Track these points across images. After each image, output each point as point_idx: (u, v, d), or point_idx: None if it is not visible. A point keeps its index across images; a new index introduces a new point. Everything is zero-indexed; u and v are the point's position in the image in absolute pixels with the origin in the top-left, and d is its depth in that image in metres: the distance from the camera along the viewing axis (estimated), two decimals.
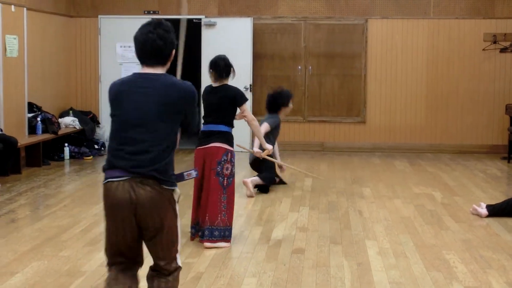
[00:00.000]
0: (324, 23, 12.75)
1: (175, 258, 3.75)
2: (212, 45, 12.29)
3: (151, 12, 12.54)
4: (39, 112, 11.10)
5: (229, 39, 12.34)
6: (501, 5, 12.47)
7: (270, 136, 8.79)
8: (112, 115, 3.70)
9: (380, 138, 12.84)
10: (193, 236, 6.37)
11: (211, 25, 12.52)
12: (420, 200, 8.36)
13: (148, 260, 3.82)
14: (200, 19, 12.55)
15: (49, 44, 11.92)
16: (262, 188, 8.80)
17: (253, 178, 8.69)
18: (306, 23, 12.76)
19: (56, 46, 12.26)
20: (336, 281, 5.27)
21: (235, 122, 6.47)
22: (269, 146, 7.68)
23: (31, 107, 11.06)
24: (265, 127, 8.69)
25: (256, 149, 8.27)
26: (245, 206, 7.95)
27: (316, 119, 12.88)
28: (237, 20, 12.59)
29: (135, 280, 3.78)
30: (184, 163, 10.65)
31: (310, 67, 12.81)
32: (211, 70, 6.37)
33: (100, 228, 6.86)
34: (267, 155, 7.89)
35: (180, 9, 12.36)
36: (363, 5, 12.67)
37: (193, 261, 5.74)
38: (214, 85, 6.39)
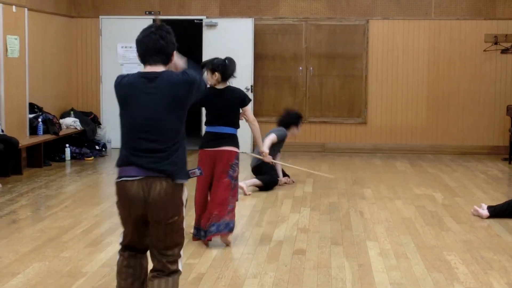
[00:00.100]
0: (325, 23, 12.75)
1: (177, 260, 3.91)
2: (213, 45, 12.29)
3: (152, 12, 12.54)
4: (40, 113, 11.11)
5: (230, 40, 12.34)
6: (502, 6, 12.47)
7: (275, 147, 9.11)
8: (121, 115, 3.90)
9: (381, 139, 12.84)
10: (195, 237, 6.37)
11: (212, 25, 12.52)
12: (421, 201, 8.36)
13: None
14: (201, 20, 12.55)
15: (50, 45, 11.93)
16: (264, 188, 8.93)
17: (250, 181, 8.90)
18: (307, 23, 12.76)
19: (57, 47, 12.27)
20: (337, 282, 5.27)
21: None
22: (265, 150, 8.18)
23: (32, 107, 11.06)
24: (272, 138, 9.03)
25: (266, 149, 8.48)
26: (246, 207, 7.95)
27: (317, 120, 12.88)
28: (238, 21, 12.59)
29: (144, 264, 4.05)
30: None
31: (311, 68, 12.81)
32: (215, 72, 6.28)
33: (101, 229, 6.87)
34: (269, 159, 8.20)
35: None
36: (364, 5, 12.67)
37: (194, 262, 5.74)
38: (218, 87, 6.34)
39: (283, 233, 6.77)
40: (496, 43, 12.42)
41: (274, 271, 5.52)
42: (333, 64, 12.83)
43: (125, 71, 12.39)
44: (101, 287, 5.15)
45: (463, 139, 12.73)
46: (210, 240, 6.24)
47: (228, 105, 6.31)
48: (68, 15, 12.73)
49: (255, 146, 7.17)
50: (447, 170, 10.84)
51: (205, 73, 6.35)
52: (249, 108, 6.53)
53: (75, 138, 11.81)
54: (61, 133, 11.34)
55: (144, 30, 3.90)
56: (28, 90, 10.77)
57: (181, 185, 3.86)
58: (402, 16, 12.64)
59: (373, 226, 7.10)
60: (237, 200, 6.42)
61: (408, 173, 10.62)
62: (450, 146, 12.73)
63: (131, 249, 4.03)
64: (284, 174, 9.52)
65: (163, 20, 4.09)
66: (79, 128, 11.98)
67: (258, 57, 12.69)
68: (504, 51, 12.42)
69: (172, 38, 3.89)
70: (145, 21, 11.05)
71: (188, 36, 11.20)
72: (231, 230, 6.25)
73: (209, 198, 6.35)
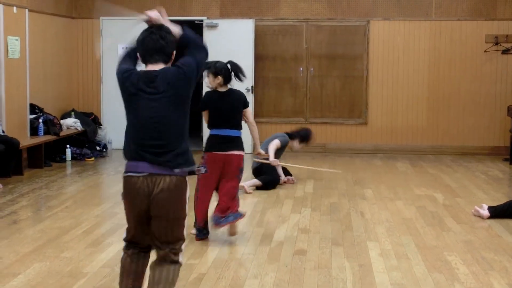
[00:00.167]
0: (326, 24, 12.76)
1: (178, 252, 4.06)
2: (214, 46, 12.26)
3: None
4: (41, 114, 11.11)
5: (231, 41, 12.35)
6: (503, 6, 12.47)
7: (278, 152, 9.33)
8: (126, 112, 4.02)
9: (381, 139, 12.84)
10: (197, 237, 6.39)
11: (213, 26, 12.53)
12: (421, 202, 8.36)
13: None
14: (202, 21, 12.56)
15: (50, 46, 11.94)
16: (266, 187, 9.04)
17: (250, 182, 9.00)
18: (308, 24, 12.77)
19: (58, 48, 12.28)
20: (337, 283, 5.27)
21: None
22: (271, 155, 9.03)
23: (33, 108, 11.07)
24: (276, 143, 9.26)
25: (272, 158, 9.08)
26: (247, 207, 7.94)
27: (318, 121, 12.88)
28: (239, 22, 12.60)
29: (146, 261, 4.17)
30: None
31: (311, 69, 12.82)
32: (218, 75, 6.31)
33: (102, 229, 6.88)
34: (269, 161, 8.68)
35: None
36: (365, 6, 12.67)
37: (195, 262, 5.74)
38: (220, 89, 6.37)
39: (284, 234, 6.77)
40: (496, 44, 12.42)
41: (274, 272, 5.53)
42: (334, 65, 12.84)
43: None
44: (102, 287, 5.16)
45: (464, 140, 12.73)
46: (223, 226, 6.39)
47: (232, 108, 6.37)
48: (69, 16, 12.74)
49: (255, 148, 7.42)
50: (448, 171, 10.84)
51: (207, 76, 6.39)
52: (250, 110, 6.61)
53: (75, 139, 11.81)
54: (62, 133, 11.35)
55: (145, 31, 4.02)
56: (29, 91, 10.78)
57: (185, 182, 3.99)
58: (403, 17, 12.65)
59: (373, 226, 7.10)
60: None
61: (409, 173, 10.62)
62: (450, 147, 12.73)
63: (134, 246, 4.13)
64: (287, 174, 9.58)
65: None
66: (79, 129, 11.99)
67: (259, 58, 12.69)
68: (505, 51, 12.42)
69: (172, 37, 4.01)
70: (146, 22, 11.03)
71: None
72: (241, 216, 6.48)
73: (219, 194, 6.45)
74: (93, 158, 11.62)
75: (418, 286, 5.21)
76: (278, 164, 9.24)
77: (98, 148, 12.04)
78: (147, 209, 3.95)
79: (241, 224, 7.03)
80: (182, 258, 4.10)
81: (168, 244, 4.01)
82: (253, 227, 7.01)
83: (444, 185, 9.54)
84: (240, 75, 6.43)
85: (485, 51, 12.49)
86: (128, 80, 3.98)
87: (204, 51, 4.09)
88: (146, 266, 4.20)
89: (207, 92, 6.49)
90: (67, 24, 12.69)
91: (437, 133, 12.77)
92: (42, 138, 10.72)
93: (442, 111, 12.71)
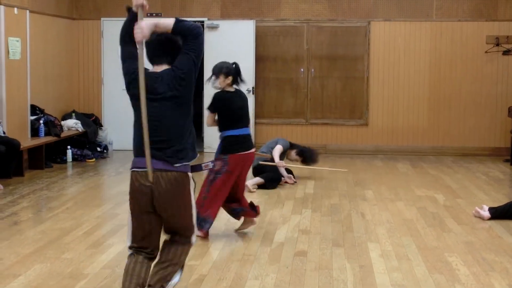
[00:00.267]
0: (327, 25, 12.76)
1: (191, 234, 4.32)
2: (214, 47, 12.30)
3: (154, 14, 12.55)
4: (42, 115, 11.12)
5: (231, 42, 12.35)
6: (503, 7, 12.47)
7: (281, 155, 9.65)
8: (133, 109, 4.15)
9: (382, 140, 12.84)
10: (204, 230, 6.48)
11: (213, 27, 12.53)
12: (422, 203, 8.36)
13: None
14: (202, 22, 12.56)
15: (51, 47, 11.95)
16: (268, 186, 9.15)
17: (252, 180, 9.07)
18: (308, 25, 12.77)
19: (59, 49, 12.29)
20: (338, 284, 5.27)
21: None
22: (277, 159, 9.42)
23: (34, 109, 11.07)
24: (280, 148, 9.57)
25: (277, 160, 9.39)
26: None
27: (319, 122, 12.88)
28: (240, 23, 12.60)
29: (149, 267, 4.26)
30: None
31: (312, 70, 12.82)
32: (229, 75, 6.40)
33: (103, 230, 6.87)
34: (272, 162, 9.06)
35: None
36: (365, 7, 12.67)
37: (196, 263, 5.74)
38: (229, 89, 6.46)
39: (285, 235, 6.77)
40: (497, 45, 12.42)
41: (275, 273, 5.53)
42: (335, 66, 12.84)
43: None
44: None
45: (465, 141, 12.72)
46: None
47: (243, 107, 6.51)
48: (70, 17, 12.74)
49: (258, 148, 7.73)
50: (449, 172, 10.83)
51: (216, 78, 6.43)
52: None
53: (76, 140, 11.82)
54: (63, 135, 11.34)
55: (152, 34, 4.13)
56: (29, 92, 10.78)
57: (187, 177, 4.14)
58: (404, 18, 12.65)
59: (374, 227, 7.10)
60: None
61: (410, 174, 10.62)
62: (451, 148, 12.72)
63: (140, 252, 4.23)
64: (288, 172, 9.66)
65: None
66: (80, 130, 11.99)
67: (260, 59, 12.70)
68: (506, 52, 12.42)
69: (178, 39, 4.16)
70: None
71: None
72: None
73: (238, 190, 6.63)
74: (93, 159, 11.62)
75: (419, 287, 5.21)
76: (284, 165, 9.46)
77: (98, 149, 12.04)
78: (151, 203, 4.09)
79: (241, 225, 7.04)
80: (194, 239, 4.37)
81: (177, 232, 4.27)
82: (253, 228, 7.00)
83: (444, 186, 9.54)
84: (242, 78, 6.55)
85: (486, 52, 12.49)
86: (135, 81, 4.09)
87: (200, 40, 4.14)
88: (148, 275, 4.26)
89: (220, 93, 6.48)
90: (68, 25, 12.69)
91: (437, 134, 12.76)
92: (42, 139, 10.73)
93: (443, 112, 12.71)
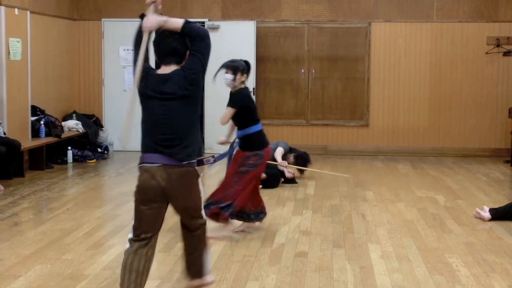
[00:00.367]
0: (328, 26, 12.76)
1: (200, 217, 4.44)
2: (215, 48, 12.16)
3: None
4: (42, 116, 11.11)
5: (232, 43, 12.35)
6: (504, 8, 12.47)
7: (282, 157, 9.88)
8: (141, 108, 4.27)
9: (383, 141, 12.84)
10: (228, 214, 6.59)
11: (214, 28, 12.53)
12: (423, 204, 8.36)
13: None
14: (203, 23, 12.56)
15: (52, 47, 11.95)
16: (268, 184, 9.21)
17: None
18: (309, 26, 12.77)
19: (60, 49, 12.29)
20: (339, 285, 5.27)
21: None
22: (279, 160, 9.63)
23: (34, 110, 11.07)
24: (281, 150, 9.81)
25: (279, 160, 9.60)
26: None
27: (319, 123, 12.88)
28: (241, 24, 12.60)
29: (152, 251, 4.30)
30: None
31: (313, 70, 12.82)
32: (245, 73, 6.58)
33: (103, 231, 6.87)
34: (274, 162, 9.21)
35: None
36: (366, 8, 12.67)
37: None
38: (242, 86, 6.64)
39: (285, 236, 6.77)
40: (498, 46, 12.42)
41: (275, 274, 5.53)
42: (335, 67, 12.84)
43: (127, 73, 12.47)
44: None
45: (465, 142, 12.72)
46: None
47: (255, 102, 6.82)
48: (70, 18, 12.75)
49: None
50: (449, 173, 10.83)
51: (233, 75, 6.49)
52: None
53: (77, 141, 11.82)
54: (63, 135, 11.35)
55: (159, 34, 4.29)
56: (30, 92, 10.78)
57: (195, 171, 4.28)
58: (404, 19, 12.65)
59: (375, 228, 7.10)
60: None
61: (410, 175, 10.62)
62: (452, 149, 12.72)
63: (141, 239, 4.26)
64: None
65: None
66: (81, 131, 11.99)
67: (260, 60, 12.70)
68: (506, 53, 12.42)
69: (185, 40, 4.26)
70: None
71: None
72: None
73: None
74: (94, 160, 11.63)
75: None
76: (287, 165, 9.61)
77: (99, 150, 12.05)
78: (160, 194, 4.19)
79: (242, 226, 7.03)
80: (205, 216, 4.51)
81: (190, 218, 4.42)
82: (254, 229, 7.00)
83: (445, 187, 9.54)
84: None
85: (487, 53, 12.49)
86: (144, 82, 4.21)
87: (206, 42, 4.31)
88: (148, 265, 4.26)
89: (243, 90, 6.60)
90: (69, 25, 12.70)
91: (438, 135, 12.76)
92: (43, 140, 10.73)
93: (444, 113, 12.71)
